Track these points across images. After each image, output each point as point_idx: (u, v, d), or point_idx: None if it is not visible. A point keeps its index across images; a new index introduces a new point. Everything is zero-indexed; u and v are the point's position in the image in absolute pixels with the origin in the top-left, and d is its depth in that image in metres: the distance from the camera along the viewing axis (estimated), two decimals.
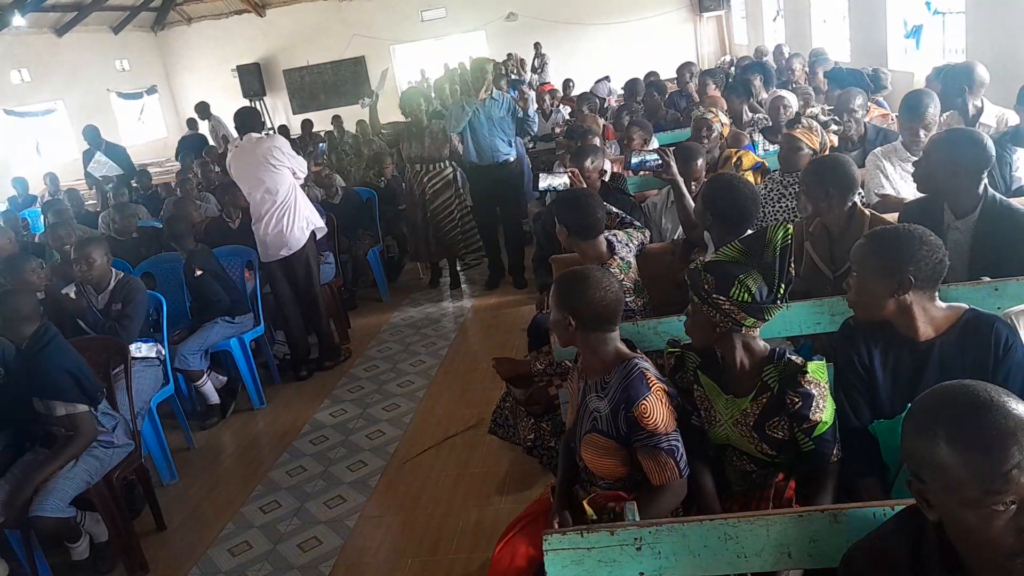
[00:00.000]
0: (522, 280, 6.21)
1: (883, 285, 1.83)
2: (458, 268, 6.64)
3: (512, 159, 6.05)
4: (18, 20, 11.44)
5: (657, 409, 1.91)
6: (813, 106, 4.65)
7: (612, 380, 2.00)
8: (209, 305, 4.49)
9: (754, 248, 1.87)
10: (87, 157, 8.25)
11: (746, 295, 1.83)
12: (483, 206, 6.19)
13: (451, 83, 8.42)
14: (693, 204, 3.27)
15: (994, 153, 2.51)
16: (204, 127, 11.85)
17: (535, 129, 6.31)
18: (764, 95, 6.07)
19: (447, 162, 6.11)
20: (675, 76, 7.98)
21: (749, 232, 2.23)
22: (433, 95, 8.85)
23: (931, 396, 1.21)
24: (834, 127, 3.73)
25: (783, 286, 1.85)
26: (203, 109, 11.52)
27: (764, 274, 1.85)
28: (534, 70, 13.12)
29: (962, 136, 2.53)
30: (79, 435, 3.09)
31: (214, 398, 4.60)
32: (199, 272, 4.46)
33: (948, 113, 3.88)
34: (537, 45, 13.68)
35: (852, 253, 1.93)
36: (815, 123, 3.56)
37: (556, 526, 2.02)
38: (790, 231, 1.86)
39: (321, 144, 10.11)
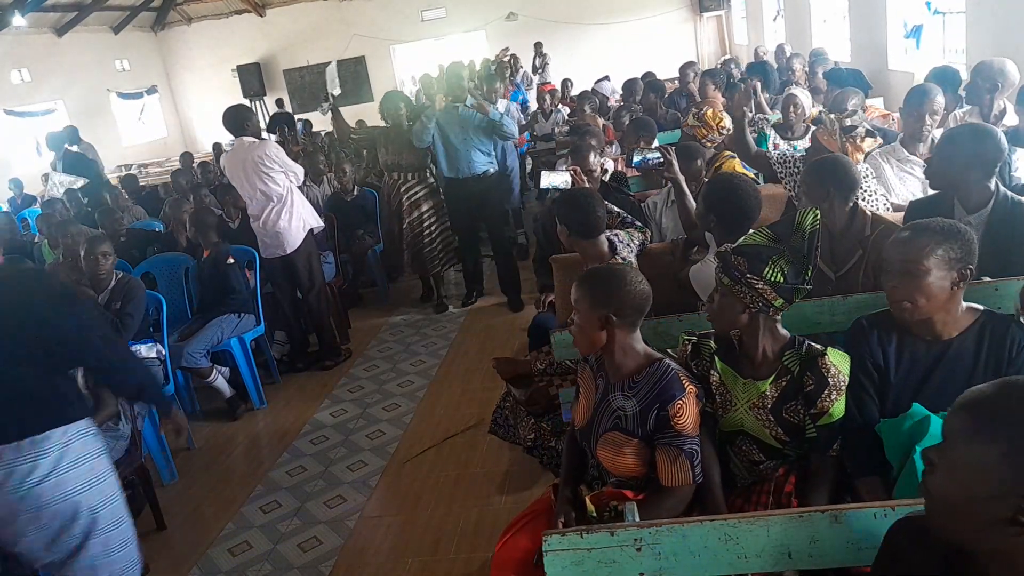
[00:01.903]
0: (518, 302, 5.65)
1: (949, 278, 1.79)
2: (443, 293, 6.07)
3: (492, 171, 5.58)
4: (18, 20, 11.43)
5: (689, 411, 1.92)
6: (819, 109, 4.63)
7: (642, 380, 1.99)
8: (229, 294, 4.52)
9: (783, 233, 1.90)
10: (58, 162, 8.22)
11: (780, 276, 1.85)
12: (461, 223, 5.68)
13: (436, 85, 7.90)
14: (694, 204, 3.26)
15: (1006, 148, 2.51)
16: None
17: (512, 130, 5.52)
18: (764, 95, 6.07)
19: (428, 171, 5.66)
20: (675, 76, 7.98)
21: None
22: (422, 93, 8.52)
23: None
24: (869, 139, 3.43)
25: (810, 269, 1.87)
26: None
27: (794, 258, 1.86)
28: (535, 70, 13.10)
29: (979, 129, 2.56)
30: (104, 407, 3.16)
31: (228, 390, 4.60)
32: (231, 260, 4.55)
33: (967, 108, 3.82)
34: (537, 45, 13.66)
35: (908, 248, 1.82)
36: (836, 127, 3.52)
37: (560, 525, 2.02)
38: (819, 216, 1.87)
39: (299, 123, 9.92)
